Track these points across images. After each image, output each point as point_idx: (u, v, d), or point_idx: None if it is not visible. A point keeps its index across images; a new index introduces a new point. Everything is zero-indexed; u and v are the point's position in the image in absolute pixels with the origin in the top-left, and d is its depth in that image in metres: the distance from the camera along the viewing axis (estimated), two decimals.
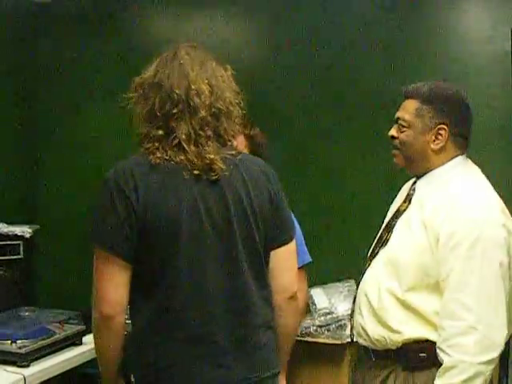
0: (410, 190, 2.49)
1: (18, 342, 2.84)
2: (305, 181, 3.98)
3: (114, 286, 2.01)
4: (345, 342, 3.39)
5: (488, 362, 2.16)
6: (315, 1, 4.05)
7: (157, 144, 2.05)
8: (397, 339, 2.31)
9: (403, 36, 3.87)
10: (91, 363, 3.26)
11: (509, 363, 3.39)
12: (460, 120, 2.39)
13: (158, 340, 2.02)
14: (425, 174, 2.43)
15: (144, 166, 2.03)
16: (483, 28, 3.74)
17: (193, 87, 2.06)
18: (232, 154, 2.12)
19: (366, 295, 2.41)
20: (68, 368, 3.00)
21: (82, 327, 3.17)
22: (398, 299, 2.31)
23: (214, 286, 2.04)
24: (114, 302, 2.01)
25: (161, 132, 2.06)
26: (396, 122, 2.45)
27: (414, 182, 2.49)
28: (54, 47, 4.58)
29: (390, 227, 2.47)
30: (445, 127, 2.35)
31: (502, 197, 2.37)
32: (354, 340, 2.53)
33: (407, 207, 2.44)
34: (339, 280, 3.68)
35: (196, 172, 2.03)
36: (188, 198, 2.01)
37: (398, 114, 2.44)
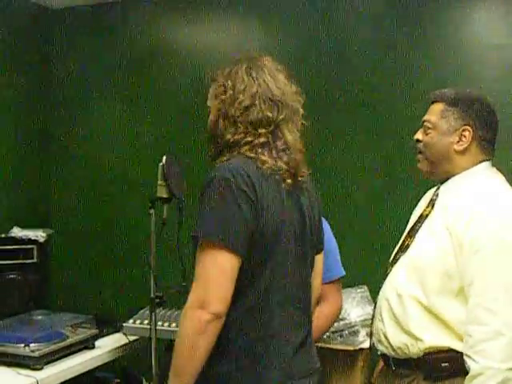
0: (434, 195, 2.47)
1: (32, 345, 2.85)
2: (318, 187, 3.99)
3: (230, 285, 1.97)
4: (357, 348, 3.39)
5: None
6: (325, 2, 4.07)
7: (260, 150, 2.11)
8: (419, 347, 2.28)
9: (415, 42, 3.86)
10: (103, 367, 3.29)
11: None
12: (485, 123, 2.38)
13: (242, 339, 2.05)
14: (448, 178, 2.41)
15: (256, 173, 2.05)
16: (496, 35, 3.72)
17: (290, 95, 2.18)
18: None
19: (387, 301, 2.39)
20: (80, 372, 3.00)
21: (94, 331, 3.19)
22: (421, 305, 2.28)
23: (293, 288, 2.14)
24: (228, 299, 1.97)
25: (263, 139, 2.12)
26: (422, 125, 2.45)
27: (438, 188, 2.48)
28: (65, 53, 4.63)
29: (412, 233, 2.45)
30: (469, 129, 2.35)
31: None
32: (374, 347, 2.50)
33: (430, 212, 2.43)
34: (352, 286, 3.67)
35: (289, 181, 2.12)
36: (286, 205, 2.10)
37: (424, 118, 2.44)
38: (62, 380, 2.88)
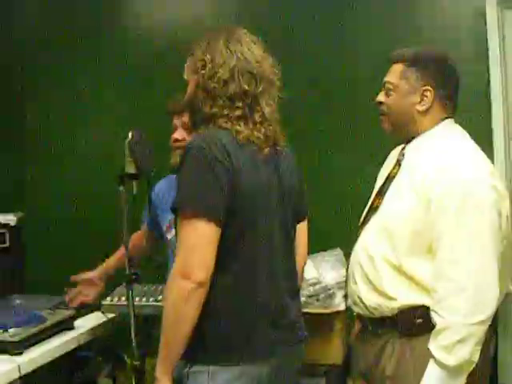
0: (400, 154, 2.49)
1: (10, 330, 2.83)
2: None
3: (211, 252, 2.04)
4: (334, 310, 3.42)
5: (480, 323, 2.18)
6: None
7: (235, 122, 2.18)
8: (393, 306, 2.32)
9: (388, 7, 3.86)
10: (84, 347, 3.28)
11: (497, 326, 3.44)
12: (446, 82, 2.40)
13: (230, 306, 2.12)
14: (413, 138, 2.43)
15: (231, 142, 2.13)
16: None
17: (267, 67, 2.26)
18: None
19: (359, 263, 2.42)
20: (61, 353, 2.99)
21: (73, 312, 3.18)
22: (393, 265, 2.31)
23: (279, 254, 2.23)
24: (209, 267, 2.04)
25: (239, 112, 2.18)
26: (383, 87, 2.47)
27: (403, 148, 2.50)
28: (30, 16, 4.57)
29: (381, 193, 2.48)
30: (430, 89, 2.37)
31: None
32: (350, 309, 2.57)
33: (397, 172, 2.45)
34: (325, 249, 3.70)
35: (266, 150, 2.22)
36: (263, 173, 2.19)
37: (385, 79, 2.46)
38: (44, 362, 2.86)
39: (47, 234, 4.51)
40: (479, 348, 2.20)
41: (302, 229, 2.48)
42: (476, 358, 2.20)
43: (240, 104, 2.18)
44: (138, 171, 2.81)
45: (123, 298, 3.23)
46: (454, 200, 2.22)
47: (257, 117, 2.20)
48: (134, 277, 2.84)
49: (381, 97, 2.48)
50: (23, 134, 4.58)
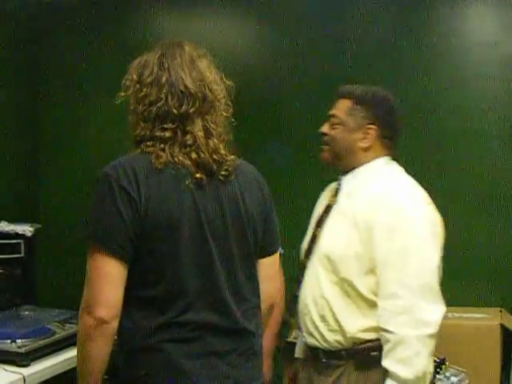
0: (337, 185, 2.60)
1: (18, 341, 2.81)
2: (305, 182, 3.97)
3: (113, 289, 1.91)
4: None
5: (430, 336, 2.26)
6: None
7: (162, 145, 2.00)
8: (348, 341, 2.38)
9: (408, 40, 3.84)
10: None
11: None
12: (388, 123, 2.54)
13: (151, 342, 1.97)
14: (349, 170, 2.55)
15: (146, 168, 1.96)
16: (489, 32, 3.72)
17: (210, 83, 2.06)
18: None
19: (313, 299, 2.46)
20: (68, 368, 2.95)
21: None
22: (348, 300, 2.38)
23: (213, 290, 2.01)
24: (113, 305, 1.91)
25: (169, 133, 2.00)
26: (329, 119, 2.56)
27: (339, 180, 2.61)
28: (56, 48, 4.56)
29: (320, 223, 2.55)
30: (374, 127, 2.50)
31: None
32: (307, 340, 2.54)
33: (335, 201, 2.55)
34: None
35: (198, 175, 1.99)
36: (188, 202, 1.97)
37: (332, 112, 2.56)
38: (50, 376, 2.84)
39: (60, 247, 4.49)
40: (432, 359, 2.32)
41: (267, 265, 2.20)
42: (431, 368, 2.31)
43: (170, 125, 2.00)
44: None
45: None
46: (397, 226, 2.33)
47: (188, 138, 1.99)
48: None
49: (325, 128, 2.58)
50: (38, 145, 4.58)
